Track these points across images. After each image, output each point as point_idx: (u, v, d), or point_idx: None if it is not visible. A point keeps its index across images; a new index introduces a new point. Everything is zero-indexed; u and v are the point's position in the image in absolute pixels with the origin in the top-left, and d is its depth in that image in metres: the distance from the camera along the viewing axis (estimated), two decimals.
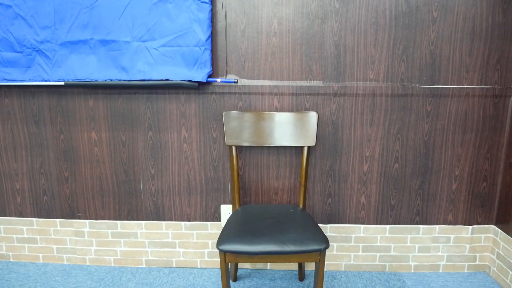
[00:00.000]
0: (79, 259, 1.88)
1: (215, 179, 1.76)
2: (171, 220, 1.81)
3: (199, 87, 1.67)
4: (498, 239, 1.73)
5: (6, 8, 1.58)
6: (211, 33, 1.58)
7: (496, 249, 1.74)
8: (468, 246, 1.80)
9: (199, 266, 1.86)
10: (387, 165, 1.73)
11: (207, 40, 1.56)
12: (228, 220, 1.48)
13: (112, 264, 1.88)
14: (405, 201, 1.76)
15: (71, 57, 1.61)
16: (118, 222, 1.83)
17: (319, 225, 1.79)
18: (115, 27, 1.58)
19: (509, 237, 1.65)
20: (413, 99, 1.66)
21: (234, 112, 1.60)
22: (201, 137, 1.72)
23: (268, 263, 1.85)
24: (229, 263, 1.49)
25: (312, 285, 1.71)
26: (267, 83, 1.65)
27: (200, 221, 1.81)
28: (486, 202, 1.76)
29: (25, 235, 1.87)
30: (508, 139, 1.69)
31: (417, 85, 1.64)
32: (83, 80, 1.62)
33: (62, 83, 1.63)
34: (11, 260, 1.91)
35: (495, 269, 1.75)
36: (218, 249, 1.27)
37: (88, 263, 1.88)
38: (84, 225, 1.84)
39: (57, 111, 1.73)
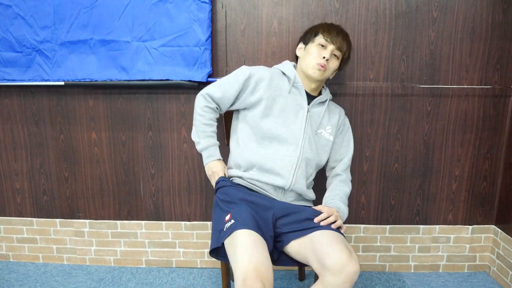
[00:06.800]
0: (79, 259, 1.88)
1: None
2: (171, 220, 1.81)
3: (199, 87, 1.67)
4: (498, 239, 1.73)
5: (6, 8, 1.57)
6: (211, 33, 1.58)
7: (496, 249, 1.74)
8: (468, 246, 1.80)
9: (199, 266, 1.86)
10: (387, 165, 1.73)
11: (207, 40, 1.56)
12: None
13: (112, 264, 1.88)
14: (405, 201, 1.76)
15: (71, 57, 1.61)
16: (118, 222, 1.83)
17: None
18: (115, 27, 1.57)
19: (509, 237, 1.65)
20: (413, 99, 1.66)
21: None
22: None
23: None
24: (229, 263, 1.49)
25: (312, 285, 1.70)
26: None
27: (200, 221, 1.81)
28: (486, 202, 1.76)
29: (25, 235, 1.87)
30: (508, 139, 1.69)
31: (417, 85, 1.64)
32: (83, 80, 1.62)
33: (62, 83, 1.63)
34: (11, 260, 1.91)
35: (495, 269, 1.75)
36: None
37: (88, 263, 1.88)
38: (84, 225, 1.84)
39: (57, 111, 1.73)
